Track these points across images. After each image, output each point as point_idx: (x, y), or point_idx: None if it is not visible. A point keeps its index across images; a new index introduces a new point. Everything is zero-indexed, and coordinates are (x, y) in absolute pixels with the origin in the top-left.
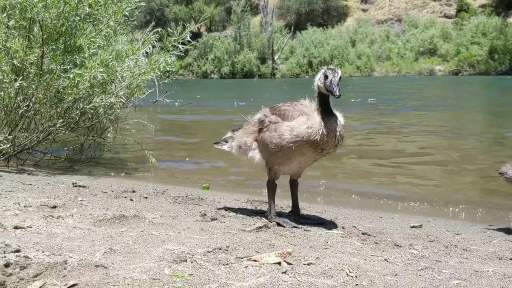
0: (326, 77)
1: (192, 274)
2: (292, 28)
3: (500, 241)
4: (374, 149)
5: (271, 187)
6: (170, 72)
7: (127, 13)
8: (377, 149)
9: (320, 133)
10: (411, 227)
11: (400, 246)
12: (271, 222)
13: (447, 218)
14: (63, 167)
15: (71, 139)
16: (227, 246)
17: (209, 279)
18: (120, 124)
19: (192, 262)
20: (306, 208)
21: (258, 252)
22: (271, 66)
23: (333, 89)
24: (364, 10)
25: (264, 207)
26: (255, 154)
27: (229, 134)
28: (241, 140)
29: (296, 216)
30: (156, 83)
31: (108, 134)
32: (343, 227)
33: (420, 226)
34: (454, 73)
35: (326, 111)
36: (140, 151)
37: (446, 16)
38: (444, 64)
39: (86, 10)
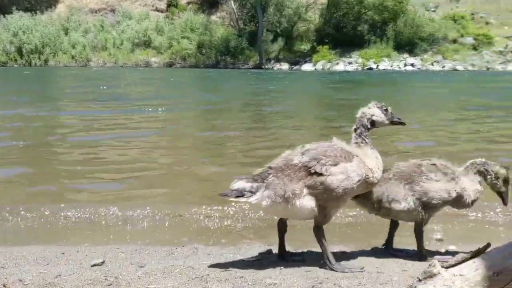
0: (386, 110)
1: None
2: None
3: (183, 269)
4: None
5: (322, 233)
6: None
7: None
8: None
9: (381, 169)
10: (92, 265)
11: None
12: (336, 270)
13: (134, 243)
14: None
15: None
16: None
17: None
18: None
19: None
20: None
21: None
22: None
23: (400, 118)
24: None
25: None
26: (307, 202)
27: (249, 184)
28: (286, 188)
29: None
30: None
31: None
32: None
33: (103, 262)
34: (168, 65)
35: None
36: None
37: (158, 10)
38: (158, 56)
39: None
